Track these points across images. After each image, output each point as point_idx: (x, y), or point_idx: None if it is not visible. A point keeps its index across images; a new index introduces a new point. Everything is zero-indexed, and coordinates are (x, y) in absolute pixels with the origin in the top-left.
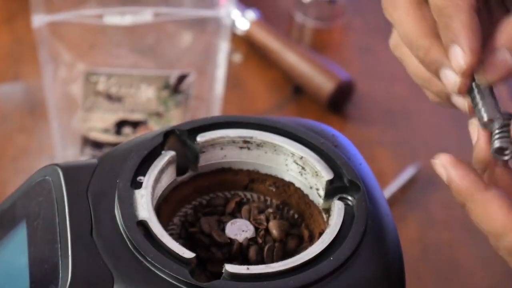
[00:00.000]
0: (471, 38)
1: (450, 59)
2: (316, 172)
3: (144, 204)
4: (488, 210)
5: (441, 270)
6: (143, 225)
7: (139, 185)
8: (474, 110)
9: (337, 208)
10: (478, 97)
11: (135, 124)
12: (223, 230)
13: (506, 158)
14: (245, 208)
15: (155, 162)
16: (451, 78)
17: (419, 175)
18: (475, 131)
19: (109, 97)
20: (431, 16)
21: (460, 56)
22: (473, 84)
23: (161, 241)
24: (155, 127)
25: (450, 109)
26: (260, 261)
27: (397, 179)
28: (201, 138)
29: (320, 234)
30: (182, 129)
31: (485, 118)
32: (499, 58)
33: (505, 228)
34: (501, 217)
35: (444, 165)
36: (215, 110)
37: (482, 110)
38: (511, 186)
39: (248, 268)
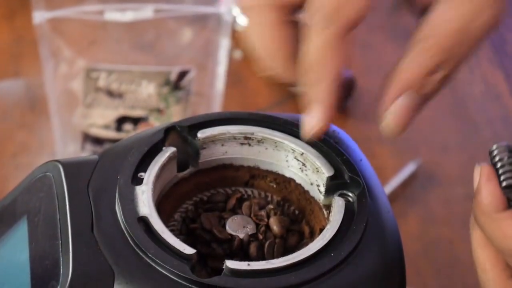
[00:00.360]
0: (327, 108)
1: (308, 113)
2: (316, 168)
3: (145, 200)
4: (504, 227)
5: (441, 266)
6: (144, 221)
7: (139, 181)
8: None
9: (338, 205)
10: (498, 161)
11: (135, 121)
12: (224, 226)
13: None
14: (245, 204)
15: (156, 158)
16: (308, 122)
17: (419, 172)
18: (478, 176)
19: (110, 93)
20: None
21: (314, 120)
22: (494, 146)
23: (161, 237)
24: (156, 123)
25: (451, 106)
26: (261, 257)
27: (397, 175)
28: (202, 134)
29: (321, 230)
30: (183, 125)
31: (504, 184)
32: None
33: None
34: None
35: (481, 174)
36: (216, 107)
37: (502, 176)
38: None
39: (248, 264)
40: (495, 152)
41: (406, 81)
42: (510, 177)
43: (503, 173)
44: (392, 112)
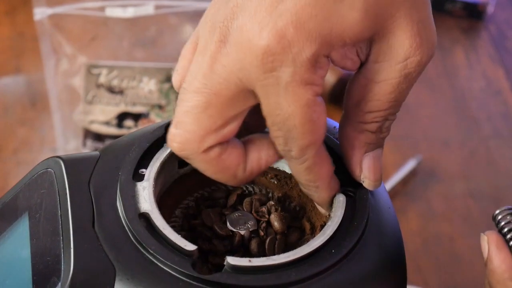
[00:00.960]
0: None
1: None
2: None
3: (146, 197)
4: None
5: (441, 262)
6: (145, 217)
7: (141, 177)
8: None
9: (339, 201)
10: (504, 225)
11: (136, 117)
12: (225, 222)
13: None
14: (246, 201)
15: (157, 155)
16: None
17: (420, 168)
18: (485, 244)
19: (111, 90)
20: None
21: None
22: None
23: (163, 233)
24: (157, 119)
25: (450, 103)
26: (262, 253)
27: (398, 172)
28: None
29: (322, 226)
30: None
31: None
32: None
33: None
34: None
35: (490, 242)
36: None
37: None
38: None
39: (250, 260)
40: (499, 217)
41: (364, 143)
42: None
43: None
44: (367, 175)
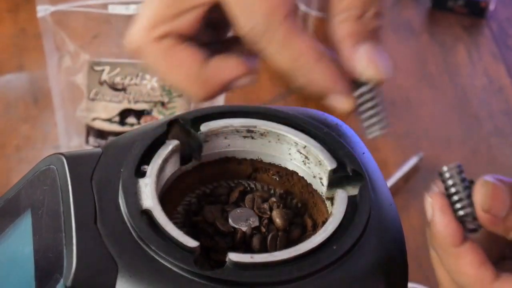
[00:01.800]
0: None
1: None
2: (319, 161)
3: (148, 193)
4: (460, 263)
5: None
6: (147, 214)
7: (143, 174)
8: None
9: (340, 198)
10: (451, 186)
11: (139, 114)
12: (227, 219)
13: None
14: (248, 197)
15: (159, 151)
16: (342, 103)
17: (421, 165)
18: (430, 210)
19: (114, 87)
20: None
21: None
22: (445, 170)
23: (165, 230)
24: (159, 116)
25: (451, 100)
26: (264, 250)
27: (400, 168)
28: (204, 127)
29: (324, 223)
30: (186, 118)
31: (461, 213)
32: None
33: (475, 282)
34: (470, 271)
35: (434, 206)
36: (219, 100)
37: (458, 204)
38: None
39: (251, 257)
40: (447, 175)
41: (348, 33)
42: (467, 205)
43: (459, 200)
44: (365, 66)
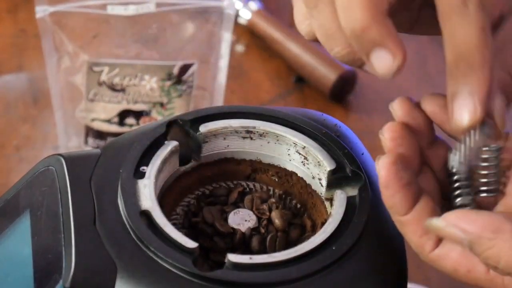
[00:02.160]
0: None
1: (453, 107)
2: (318, 162)
3: (147, 194)
4: (405, 231)
5: None
6: (146, 215)
7: (142, 175)
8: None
9: (340, 198)
10: (455, 183)
11: (138, 114)
12: (226, 220)
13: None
14: (247, 198)
15: (158, 152)
16: (385, 61)
17: None
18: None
19: (113, 87)
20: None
21: (469, 109)
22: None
23: (164, 231)
24: (158, 117)
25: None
26: (263, 250)
27: None
28: (204, 128)
29: (323, 224)
30: (185, 119)
31: (458, 203)
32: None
33: (416, 249)
34: (413, 239)
35: (380, 177)
36: (218, 100)
37: (458, 198)
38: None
39: (250, 258)
40: (454, 164)
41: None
42: (466, 193)
43: (460, 189)
44: (498, 115)
